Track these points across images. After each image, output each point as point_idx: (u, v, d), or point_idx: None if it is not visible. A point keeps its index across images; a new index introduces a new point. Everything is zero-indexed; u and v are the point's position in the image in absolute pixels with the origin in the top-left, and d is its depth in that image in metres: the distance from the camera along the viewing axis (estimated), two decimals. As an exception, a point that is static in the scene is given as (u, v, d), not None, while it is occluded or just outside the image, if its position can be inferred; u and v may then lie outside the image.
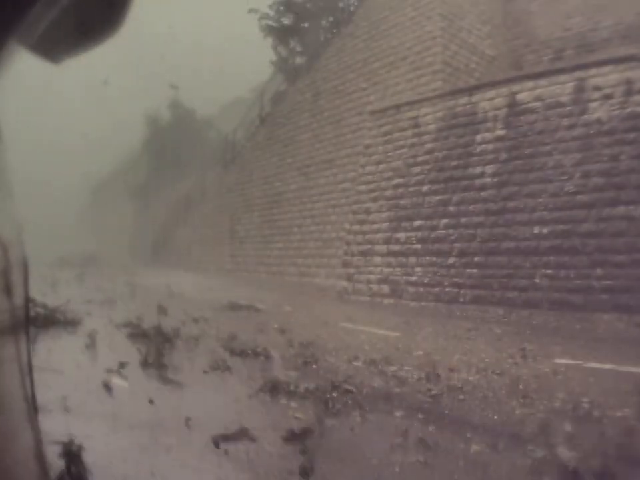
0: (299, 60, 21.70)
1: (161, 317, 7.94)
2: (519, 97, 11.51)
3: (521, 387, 5.24)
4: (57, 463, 2.69)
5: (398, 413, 4.56)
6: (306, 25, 21.20)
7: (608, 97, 10.05)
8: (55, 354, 5.88)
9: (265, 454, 3.63)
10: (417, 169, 13.25)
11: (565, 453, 3.43)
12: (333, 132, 18.16)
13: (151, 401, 4.48)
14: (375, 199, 14.21)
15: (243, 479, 3.38)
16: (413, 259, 12.62)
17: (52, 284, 11.94)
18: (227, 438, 3.62)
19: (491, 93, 12.15)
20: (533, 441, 3.79)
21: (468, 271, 11.39)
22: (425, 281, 12.16)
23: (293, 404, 4.74)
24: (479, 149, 12.02)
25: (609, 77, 10.13)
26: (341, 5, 20.66)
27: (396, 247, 13.12)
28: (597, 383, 5.39)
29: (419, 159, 13.29)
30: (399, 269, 12.88)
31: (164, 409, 4.47)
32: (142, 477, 3.18)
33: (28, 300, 1.56)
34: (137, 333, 7.45)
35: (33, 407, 1.36)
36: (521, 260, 10.53)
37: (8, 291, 0.96)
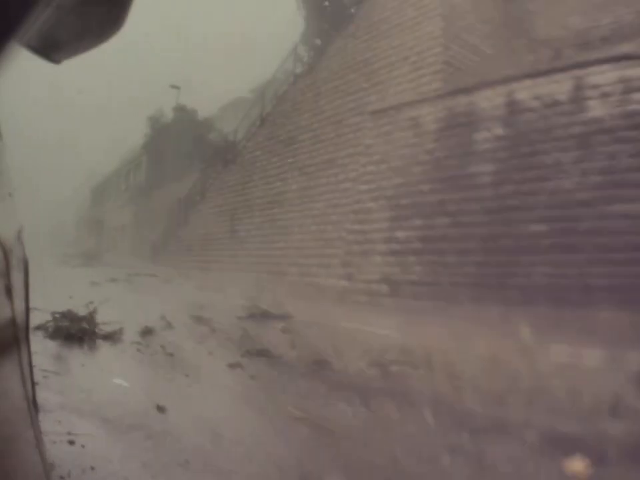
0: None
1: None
2: (518, 95, 11.51)
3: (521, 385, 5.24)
4: (57, 463, 2.69)
5: (399, 413, 4.56)
6: None
7: (606, 95, 10.05)
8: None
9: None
10: (417, 169, 13.25)
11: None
12: (334, 132, 18.14)
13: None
14: (375, 199, 14.21)
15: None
16: (412, 258, 12.62)
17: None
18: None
19: (490, 93, 12.16)
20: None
21: (467, 269, 11.39)
22: (425, 280, 12.16)
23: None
24: (478, 148, 12.02)
25: (607, 76, 10.14)
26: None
27: (396, 246, 13.12)
28: (596, 381, 5.39)
29: (420, 158, 13.29)
30: (399, 268, 12.88)
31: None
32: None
33: (28, 300, 1.56)
34: None
35: (33, 407, 1.36)
36: (520, 258, 10.53)
37: (8, 292, 0.96)
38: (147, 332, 7.58)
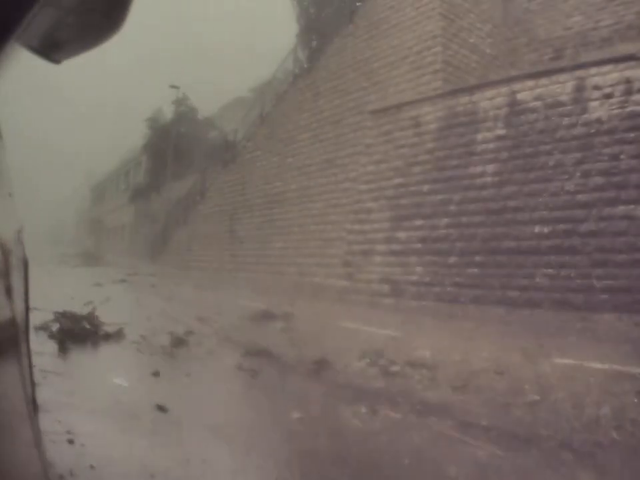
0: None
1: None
2: (520, 96, 11.50)
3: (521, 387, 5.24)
4: (56, 462, 2.69)
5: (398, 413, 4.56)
6: None
7: (608, 96, 10.05)
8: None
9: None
10: (417, 169, 13.24)
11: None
12: (334, 131, 18.13)
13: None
14: (375, 199, 14.20)
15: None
16: (413, 259, 12.61)
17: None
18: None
19: (491, 92, 12.14)
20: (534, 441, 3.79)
21: (468, 270, 11.37)
22: (426, 281, 12.15)
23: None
24: (479, 148, 12.01)
25: (608, 76, 10.12)
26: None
27: (396, 247, 13.11)
28: (597, 383, 5.38)
29: (420, 158, 13.27)
30: (399, 269, 12.87)
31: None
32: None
33: (28, 300, 1.56)
34: None
35: (32, 407, 1.36)
36: (522, 259, 10.52)
37: (8, 292, 0.96)
38: (148, 333, 7.57)
